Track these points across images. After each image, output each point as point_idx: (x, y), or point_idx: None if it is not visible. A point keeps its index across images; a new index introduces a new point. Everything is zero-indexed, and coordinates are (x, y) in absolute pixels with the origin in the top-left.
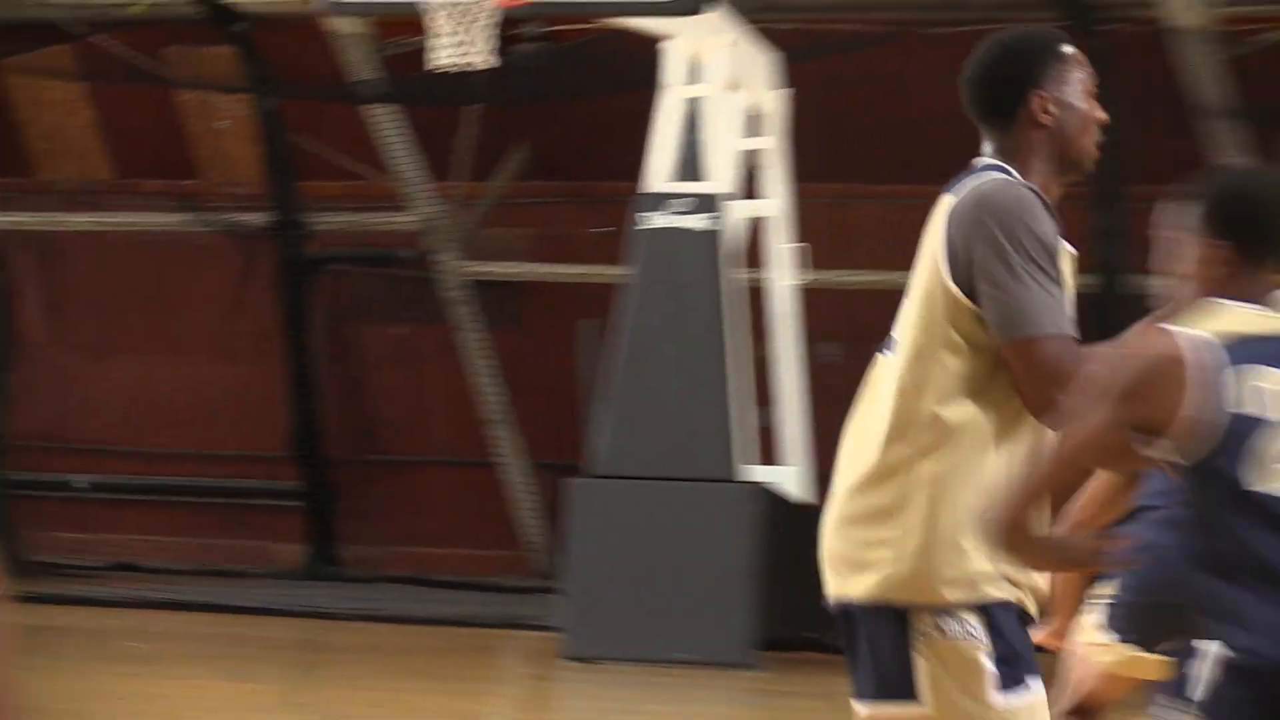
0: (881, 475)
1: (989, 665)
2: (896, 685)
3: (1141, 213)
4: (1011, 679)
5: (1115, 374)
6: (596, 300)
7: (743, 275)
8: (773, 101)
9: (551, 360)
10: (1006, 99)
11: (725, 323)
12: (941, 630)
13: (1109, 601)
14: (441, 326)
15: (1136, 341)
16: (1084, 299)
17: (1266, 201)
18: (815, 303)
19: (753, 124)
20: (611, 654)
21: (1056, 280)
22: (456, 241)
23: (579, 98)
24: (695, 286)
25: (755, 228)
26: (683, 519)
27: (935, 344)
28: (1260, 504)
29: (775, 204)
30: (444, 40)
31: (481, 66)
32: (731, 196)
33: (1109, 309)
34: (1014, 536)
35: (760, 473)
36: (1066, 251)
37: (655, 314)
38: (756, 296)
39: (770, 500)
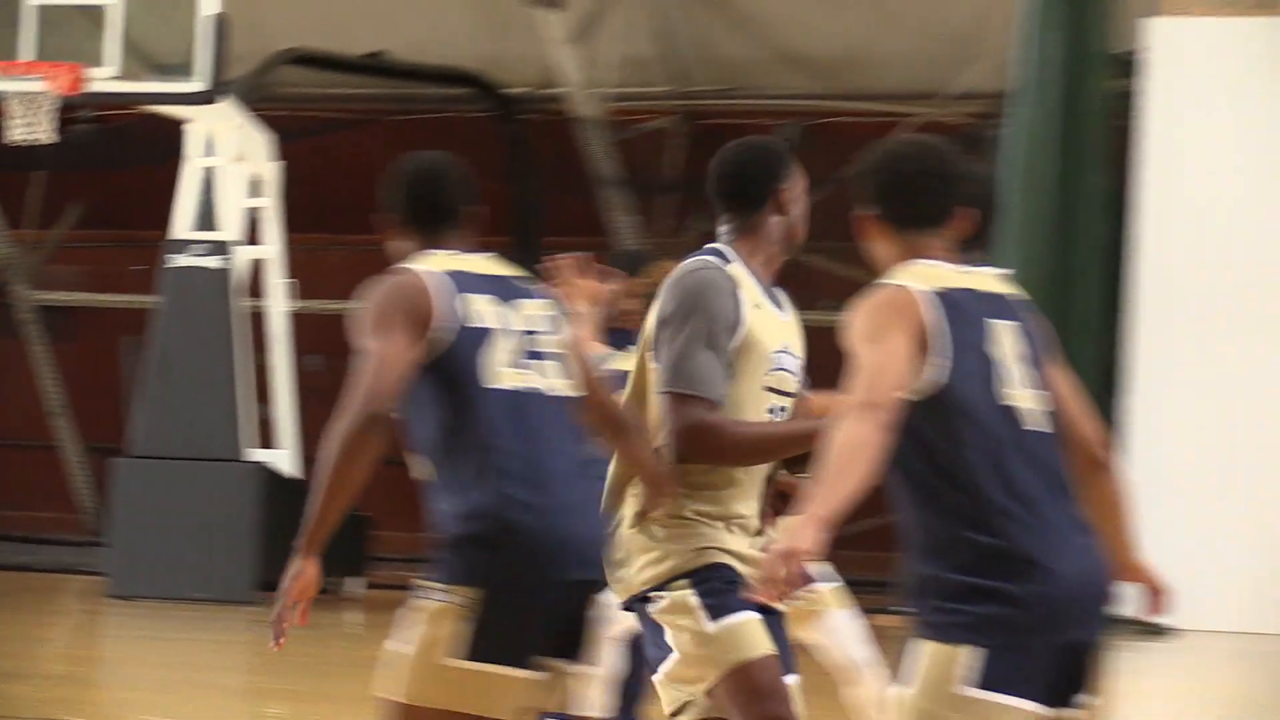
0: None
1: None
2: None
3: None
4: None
5: (382, 304)
6: (136, 322)
7: (247, 303)
8: (269, 170)
9: (101, 368)
10: (756, 191)
11: (234, 339)
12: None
13: None
14: (16, 341)
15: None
16: None
17: (421, 184)
18: (301, 324)
19: (254, 187)
20: (146, 593)
21: (711, 347)
22: (27, 275)
23: (122, 165)
24: (210, 311)
25: (256, 267)
26: (201, 489)
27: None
28: (492, 397)
29: (271, 249)
30: (17, 121)
31: (46, 141)
32: (238, 243)
33: None
34: (344, 441)
35: (260, 454)
36: (769, 312)
37: (180, 332)
38: (258, 319)
39: (267, 475)
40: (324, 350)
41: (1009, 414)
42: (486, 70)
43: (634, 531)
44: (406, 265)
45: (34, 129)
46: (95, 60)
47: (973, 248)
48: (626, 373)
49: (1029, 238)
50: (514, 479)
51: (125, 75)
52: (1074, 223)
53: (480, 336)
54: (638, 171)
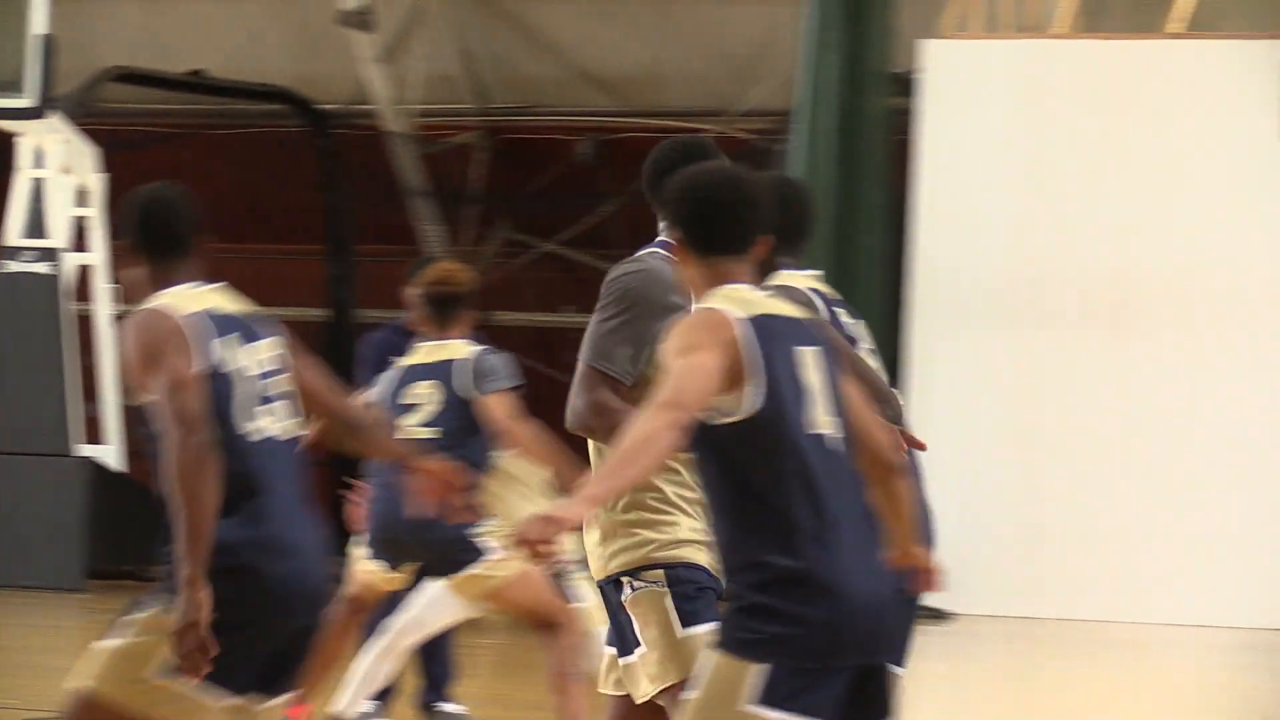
0: None
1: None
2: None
3: (364, 264)
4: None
5: (148, 339)
6: None
7: (74, 307)
8: (95, 181)
9: None
10: None
11: (63, 341)
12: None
13: (368, 536)
14: None
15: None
16: (320, 328)
17: (153, 214)
18: None
19: (81, 197)
20: None
21: (634, 336)
22: None
23: None
24: (41, 315)
25: (83, 273)
26: (33, 482)
27: None
28: (237, 440)
29: (97, 256)
30: None
31: None
32: (66, 250)
33: (339, 335)
34: (181, 475)
35: (88, 449)
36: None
37: (11, 334)
38: (85, 322)
39: (95, 469)
40: None
41: (816, 440)
42: (301, 87)
43: (614, 514)
44: (159, 305)
45: None
46: None
47: (786, 253)
48: (414, 368)
49: (811, 247)
50: (256, 520)
51: None
52: (854, 233)
53: (229, 379)
54: (443, 183)
